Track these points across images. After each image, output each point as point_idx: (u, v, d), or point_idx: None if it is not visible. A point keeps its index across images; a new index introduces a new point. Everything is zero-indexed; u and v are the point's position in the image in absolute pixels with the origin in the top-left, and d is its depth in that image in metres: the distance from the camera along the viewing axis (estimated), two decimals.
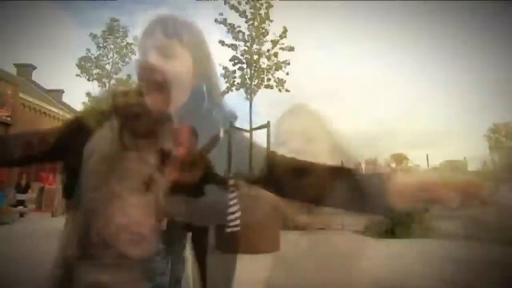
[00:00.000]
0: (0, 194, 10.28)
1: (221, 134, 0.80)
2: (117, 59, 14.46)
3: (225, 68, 6.79)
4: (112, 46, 14.38)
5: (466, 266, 4.24)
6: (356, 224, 8.44)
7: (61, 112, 20.67)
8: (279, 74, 6.91)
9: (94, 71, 14.09)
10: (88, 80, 13.88)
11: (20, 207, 10.75)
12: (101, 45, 14.16)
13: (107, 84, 14.31)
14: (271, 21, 6.93)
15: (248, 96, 6.52)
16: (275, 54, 6.87)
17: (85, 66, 13.88)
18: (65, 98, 23.05)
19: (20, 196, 11.33)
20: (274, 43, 6.86)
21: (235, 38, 6.78)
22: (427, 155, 13.21)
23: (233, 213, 0.90)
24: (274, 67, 6.80)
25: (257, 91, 6.59)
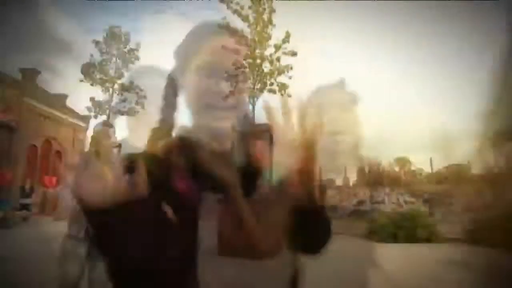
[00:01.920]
0: (5, 200, 10.36)
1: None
2: (120, 65, 14.61)
3: (227, 72, 6.79)
4: (115, 52, 14.54)
5: (468, 270, 4.20)
6: (359, 229, 8.44)
7: (65, 117, 20.82)
8: (282, 78, 6.93)
9: (98, 76, 14.24)
10: (92, 85, 14.01)
11: (24, 211, 10.79)
12: (104, 51, 14.31)
13: (111, 89, 14.44)
14: (274, 25, 6.96)
15: (251, 101, 6.53)
16: (278, 59, 6.89)
17: (89, 71, 14.03)
18: (69, 103, 23.21)
19: (24, 200, 11.39)
20: (277, 47, 6.89)
21: (238, 42, 6.78)
22: (430, 158, 13.14)
23: None
24: (276, 72, 6.82)
25: (260, 95, 6.61)
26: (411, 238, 6.71)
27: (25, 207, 11.21)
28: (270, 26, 6.91)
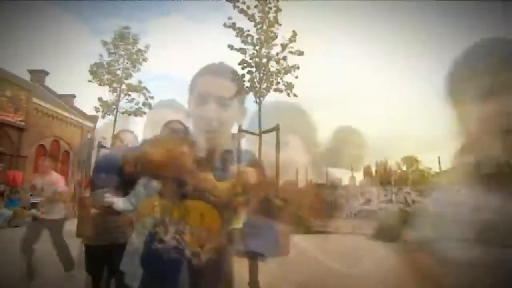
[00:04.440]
0: (15, 199, 10.49)
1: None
2: (127, 65, 14.68)
3: (233, 72, 6.79)
4: (122, 53, 14.61)
5: (478, 270, 4.13)
6: (366, 228, 8.37)
7: (72, 117, 21.03)
8: (288, 78, 6.90)
9: (106, 77, 14.32)
10: (100, 85, 14.11)
11: (34, 210, 10.89)
12: (112, 51, 14.39)
13: (118, 89, 14.52)
14: (280, 24, 6.93)
15: (257, 100, 6.52)
16: (284, 58, 6.85)
17: (97, 72, 14.13)
18: (77, 103, 23.46)
19: (34, 200, 11.49)
20: (283, 46, 6.85)
21: (244, 42, 6.79)
22: (438, 157, 12.97)
23: None
24: (283, 71, 6.79)
25: (266, 94, 6.60)
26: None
27: (34, 206, 11.33)
28: (276, 25, 6.90)
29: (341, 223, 8.52)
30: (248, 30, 6.68)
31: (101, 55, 14.15)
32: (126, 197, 1.12)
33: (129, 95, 14.46)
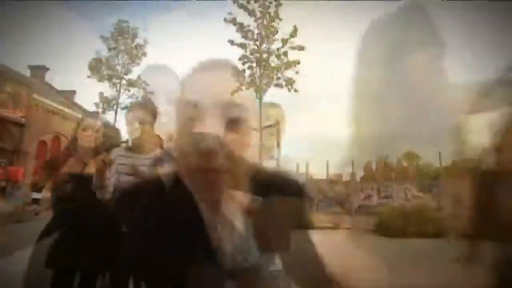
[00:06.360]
0: (17, 194, 10.54)
1: None
2: (127, 60, 14.66)
3: (234, 67, 6.77)
4: (122, 48, 14.59)
5: (478, 266, 4.16)
6: (366, 224, 8.40)
7: (72, 112, 21.03)
8: (289, 73, 6.89)
9: (105, 72, 14.32)
10: (99, 81, 14.11)
11: (35, 206, 10.98)
12: (111, 46, 14.37)
13: (118, 85, 14.52)
14: (281, 19, 6.89)
15: (258, 95, 6.52)
16: (285, 53, 6.83)
17: (96, 67, 14.12)
18: (77, 99, 23.46)
19: (35, 195, 11.58)
20: (284, 41, 6.82)
21: (244, 37, 6.77)
22: (439, 153, 12.95)
23: None
24: (283, 66, 6.77)
25: (267, 90, 6.59)
26: (420, 233, 6.68)
27: (36, 201, 11.41)
28: (276, 20, 6.88)
29: (342, 219, 8.56)
30: (249, 25, 6.65)
31: (99, 52, 14.15)
32: None
33: (129, 90, 14.47)
